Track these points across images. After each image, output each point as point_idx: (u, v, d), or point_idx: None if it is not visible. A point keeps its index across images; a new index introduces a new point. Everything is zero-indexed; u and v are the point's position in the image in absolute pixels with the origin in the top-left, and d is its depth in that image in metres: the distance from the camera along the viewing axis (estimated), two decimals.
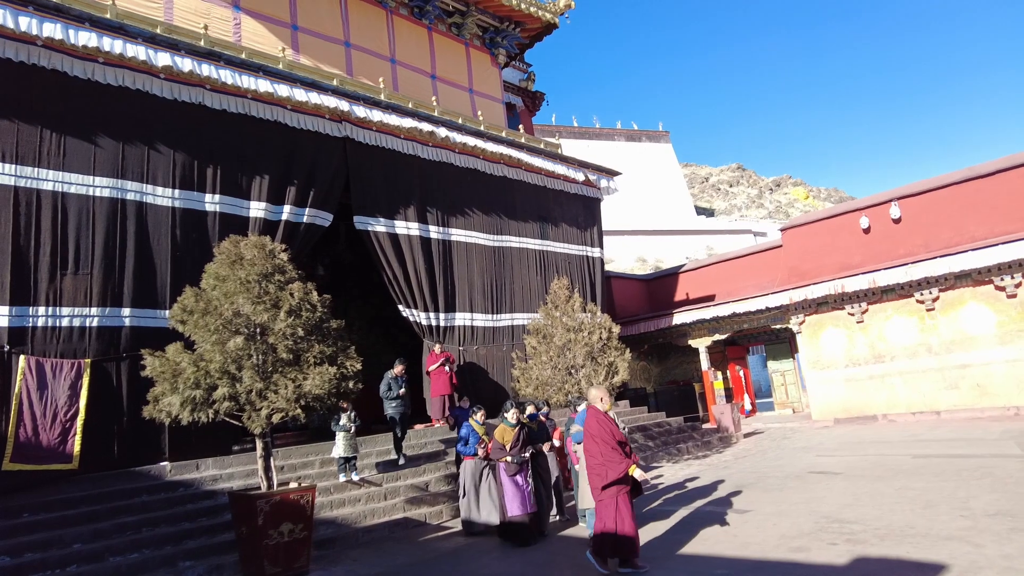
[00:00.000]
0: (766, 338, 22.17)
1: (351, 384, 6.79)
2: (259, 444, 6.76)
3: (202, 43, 10.27)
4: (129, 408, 8.33)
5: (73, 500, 7.50)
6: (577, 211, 16.68)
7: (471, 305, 13.64)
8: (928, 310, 15.83)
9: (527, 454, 7.55)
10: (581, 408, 7.76)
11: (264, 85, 10.56)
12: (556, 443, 8.62)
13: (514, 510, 7.24)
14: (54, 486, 7.71)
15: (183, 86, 9.89)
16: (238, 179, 10.33)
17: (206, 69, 9.93)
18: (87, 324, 8.38)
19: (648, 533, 6.99)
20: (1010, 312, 14.71)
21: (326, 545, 7.54)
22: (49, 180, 8.39)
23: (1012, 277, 14.58)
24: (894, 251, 16.60)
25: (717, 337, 20.16)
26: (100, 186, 8.79)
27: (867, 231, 17.35)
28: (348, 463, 9.11)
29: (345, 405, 8.77)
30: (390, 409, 10.02)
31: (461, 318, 13.44)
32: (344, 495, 8.76)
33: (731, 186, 67.51)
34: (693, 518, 7.59)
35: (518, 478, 7.36)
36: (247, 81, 10.37)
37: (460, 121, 13.81)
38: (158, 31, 9.77)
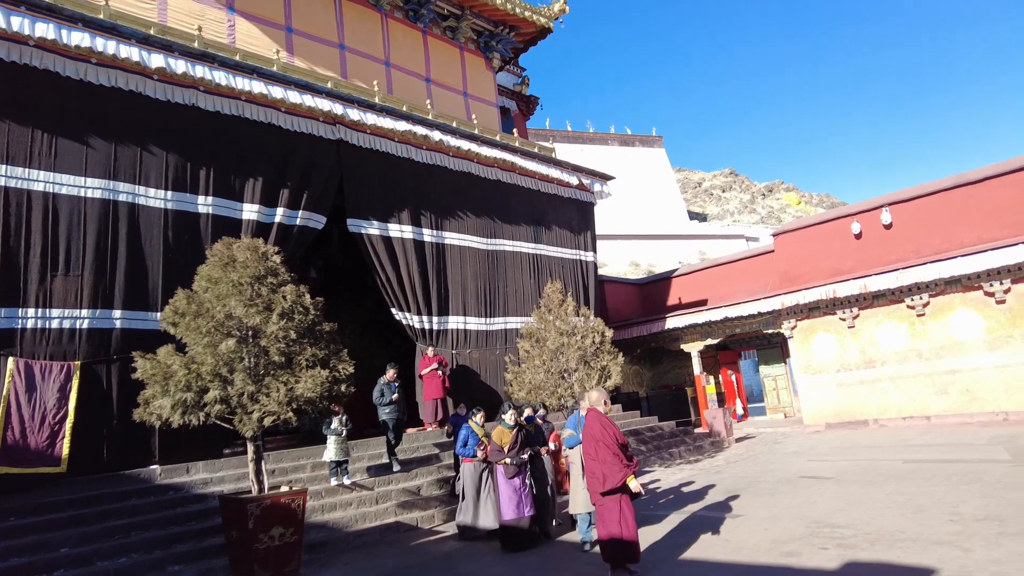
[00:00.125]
0: (758, 343, 22.26)
1: (343, 387, 6.78)
2: (250, 447, 6.73)
3: (196, 44, 10.24)
4: (119, 411, 8.27)
5: (61, 503, 7.44)
6: (571, 215, 16.72)
7: (464, 308, 13.63)
8: (919, 315, 15.94)
9: (525, 456, 7.49)
10: (575, 412, 7.75)
11: (258, 87, 10.54)
12: (553, 447, 8.59)
13: (509, 513, 7.19)
14: (42, 489, 7.63)
15: (176, 87, 9.85)
16: (231, 181, 10.30)
17: (200, 70, 9.90)
18: (77, 326, 8.32)
19: (640, 538, 6.98)
20: (999, 318, 14.83)
21: (317, 549, 7.51)
22: (40, 181, 8.33)
23: (1001, 283, 14.70)
24: (885, 257, 16.71)
25: (709, 341, 20.22)
26: (92, 187, 8.74)
27: (859, 237, 17.46)
28: (340, 467, 9.08)
29: (337, 409, 8.75)
30: (384, 415, 9.93)
31: (454, 321, 13.43)
32: (335, 499, 8.73)
33: (724, 191, 67.78)
34: (685, 522, 7.60)
35: (516, 480, 7.31)
36: (241, 83, 10.34)
37: (454, 124, 13.82)
38: (151, 32, 9.74)
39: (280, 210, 10.79)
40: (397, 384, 10.27)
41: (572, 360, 10.60)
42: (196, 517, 7.79)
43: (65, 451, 7.86)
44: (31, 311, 8.00)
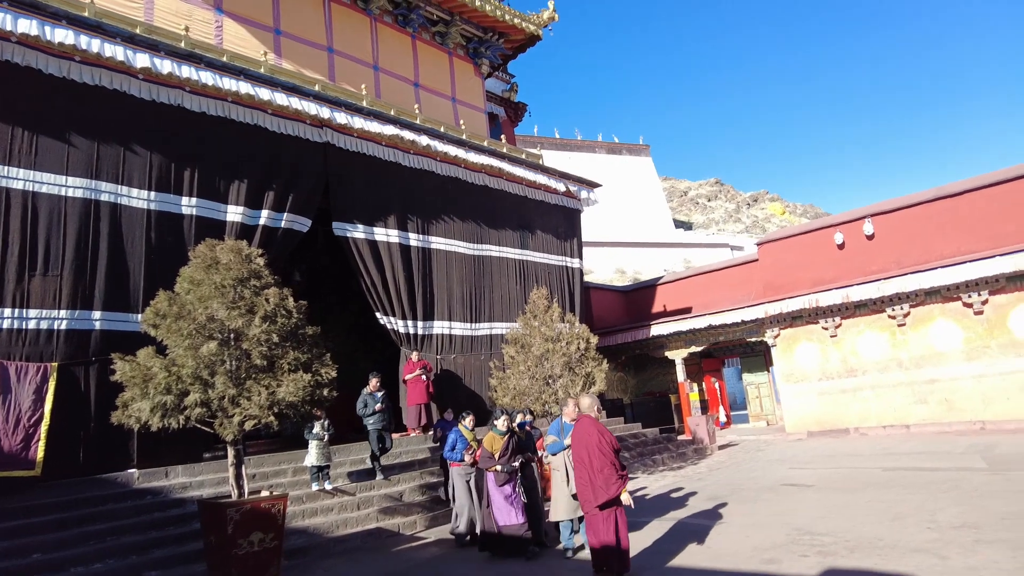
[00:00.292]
0: (741, 351, 22.42)
1: (326, 392, 6.72)
2: (231, 451, 6.65)
3: (183, 44, 10.16)
4: (97, 413, 8.14)
5: (35, 508, 7.29)
6: (557, 221, 16.77)
7: (450, 314, 13.60)
8: (899, 325, 16.14)
9: (517, 463, 7.31)
10: (558, 418, 7.70)
11: (245, 88, 10.48)
12: (541, 453, 8.50)
13: (504, 520, 7.01)
14: (16, 494, 7.48)
15: (162, 87, 9.77)
16: (216, 182, 10.21)
17: (186, 71, 9.83)
18: (55, 327, 8.19)
19: None
20: (977, 329, 15.06)
21: (298, 555, 7.43)
22: (19, 179, 8.21)
23: (979, 294, 14.94)
24: (867, 267, 16.92)
25: (693, 349, 20.34)
26: (73, 186, 8.63)
27: (841, 247, 17.67)
28: (321, 472, 9.00)
29: (319, 413, 8.67)
30: (368, 425, 9.72)
31: (439, 326, 13.39)
32: (317, 504, 8.64)
33: (709, 200, 68.37)
34: (666, 529, 7.61)
35: (507, 488, 7.14)
36: (228, 84, 10.28)
37: (442, 129, 13.82)
38: (137, 31, 9.65)
39: (265, 212, 10.71)
40: (382, 394, 10.02)
41: (557, 366, 10.60)
42: (174, 522, 7.67)
43: (40, 454, 7.72)
44: (7, 311, 7.87)
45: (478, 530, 7.49)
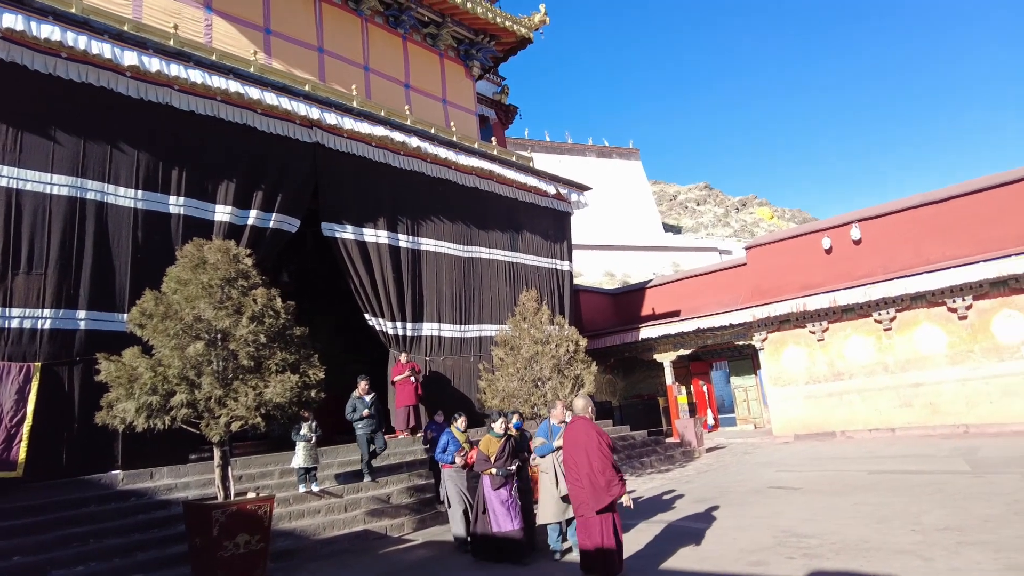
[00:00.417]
0: (729, 354, 22.54)
1: (313, 393, 6.68)
2: (217, 453, 6.59)
3: (171, 43, 10.08)
4: (81, 414, 8.03)
5: (15, 510, 7.18)
6: (547, 224, 16.79)
7: (439, 315, 13.57)
8: (885, 330, 16.30)
9: (513, 467, 7.14)
10: (546, 420, 7.67)
11: (234, 87, 10.41)
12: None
13: (499, 526, 6.84)
14: None
15: (150, 85, 9.69)
16: (204, 182, 10.14)
17: (175, 69, 9.75)
18: (39, 326, 8.09)
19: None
20: (961, 333, 15.24)
21: (284, 557, 7.37)
22: (3, 176, 8.10)
23: (963, 299, 15.12)
24: (854, 272, 17.07)
25: (682, 352, 20.42)
26: (58, 184, 8.53)
27: (829, 251, 17.82)
28: (308, 474, 8.94)
29: (307, 415, 8.62)
30: (357, 430, 9.60)
31: (428, 328, 13.36)
32: (304, 506, 8.59)
33: (698, 204, 68.72)
34: (655, 532, 7.62)
35: (503, 492, 6.94)
36: (217, 82, 10.21)
37: (433, 131, 13.80)
38: (126, 28, 9.55)
39: (253, 212, 10.65)
40: (371, 397, 9.87)
41: (546, 368, 10.60)
42: (159, 524, 7.59)
43: (22, 455, 7.61)
44: None
45: (471, 533, 7.38)
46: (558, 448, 6.82)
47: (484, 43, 17.43)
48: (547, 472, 7.01)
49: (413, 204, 13.45)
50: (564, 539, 6.98)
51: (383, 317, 12.57)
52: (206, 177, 10.18)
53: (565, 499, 6.68)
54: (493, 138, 17.80)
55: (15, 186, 8.18)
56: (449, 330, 13.73)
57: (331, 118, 11.77)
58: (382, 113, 12.89)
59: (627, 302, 24.28)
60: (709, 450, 16.62)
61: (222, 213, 10.25)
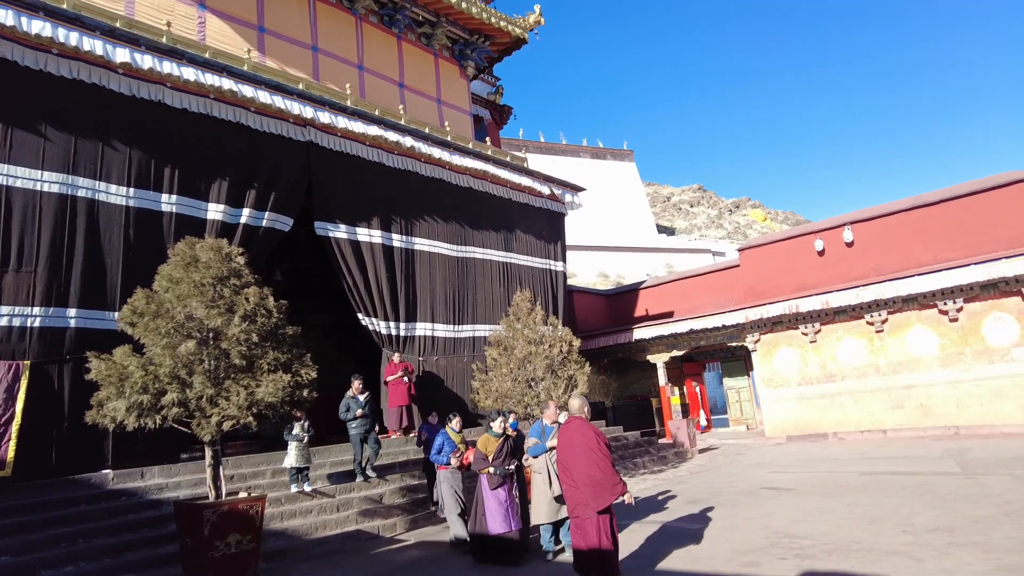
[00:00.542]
0: (722, 355, 22.60)
1: (305, 392, 6.65)
2: (208, 452, 6.55)
3: (164, 40, 10.03)
4: (71, 413, 7.98)
5: (4, 510, 7.10)
6: (541, 225, 16.79)
7: (432, 315, 13.55)
8: (877, 332, 16.37)
9: (511, 467, 7.01)
10: (538, 421, 7.66)
11: (228, 85, 10.36)
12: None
13: (496, 527, 6.73)
14: None
15: (142, 83, 9.63)
16: (196, 180, 10.08)
17: (167, 66, 9.69)
18: (28, 324, 8.02)
19: None
20: (952, 335, 15.33)
21: (276, 557, 7.34)
22: None
23: (955, 302, 15.21)
24: (847, 274, 17.15)
25: (675, 353, 20.45)
26: (49, 181, 8.47)
27: (821, 254, 17.89)
28: (300, 473, 8.90)
29: (299, 414, 8.58)
30: (351, 430, 9.54)
31: (422, 328, 13.33)
32: (295, 506, 8.55)
33: (692, 206, 68.91)
34: (647, 532, 7.63)
35: (501, 492, 6.84)
36: (210, 80, 10.16)
37: (427, 131, 13.78)
38: (118, 25, 9.50)
39: (246, 211, 10.60)
40: (365, 396, 9.81)
41: (539, 369, 10.60)
42: (149, 524, 7.54)
43: (10, 454, 7.55)
44: None
45: (467, 532, 7.32)
46: (551, 448, 6.81)
47: (479, 43, 17.42)
48: (540, 472, 7.00)
49: (407, 204, 13.43)
50: (557, 540, 6.98)
51: (376, 317, 12.53)
52: (199, 175, 10.13)
53: (558, 499, 6.68)
54: (487, 138, 17.82)
55: (5, 183, 8.12)
56: (442, 330, 13.71)
57: (325, 117, 11.74)
58: (376, 112, 12.86)
59: (621, 303, 24.31)
60: (702, 451, 16.66)
61: (215, 211, 10.20)
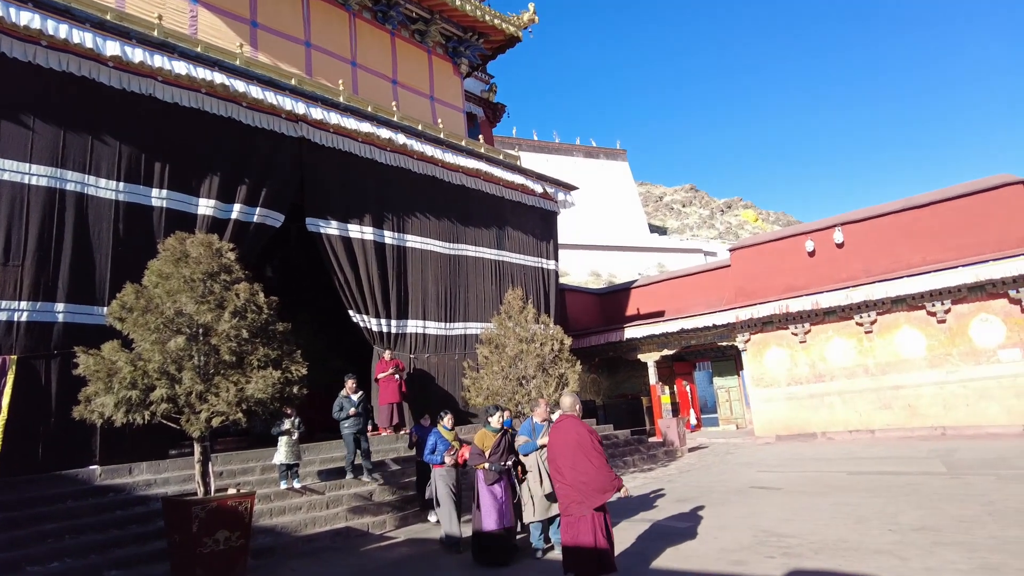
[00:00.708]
0: (713, 355, 22.70)
1: (295, 389, 6.63)
2: (197, 448, 6.52)
3: (155, 33, 9.95)
4: (58, 408, 7.91)
5: None
6: (534, 223, 16.79)
7: (424, 313, 13.53)
8: (866, 332, 16.50)
9: (508, 463, 6.90)
10: (528, 419, 7.66)
11: (220, 80, 10.30)
12: None
13: (490, 524, 6.66)
14: None
15: (133, 76, 9.56)
16: (187, 175, 10.02)
17: (158, 60, 9.62)
18: (15, 318, 7.94)
19: None
20: (939, 337, 15.47)
21: (264, 554, 7.31)
22: None
23: (943, 304, 15.34)
24: (837, 275, 17.26)
25: (666, 352, 20.53)
26: (37, 174, 8.38)
27: (812, 254, 18.00)
28: (290, 470, 8.88)
29: (289, 411, 8.56)
30: (344, 429, 9.45)
31: (413, 325, 13.31)
32: (285, 503, 8.52)
33: (684, 206, 69.13)
34: (638, 531, 7.65)
35: (496, 488, 6.75)
36: (202, 74, 10.09)
37: (420, 128, 13.75)
38: (108, 17, 9.40)
39: (237, 206, 10.55)
40: (359, 396, 9.73)
41: (530, 367, 10.62)
42: (138, 520, 7.50)
43: None
44: None
45: (460, 529, 7.33)
46: (542, 446, 6.82)
47: (473, 41, 17.40)
48: (531, 471, 7.01)
49: (399, 201, 13.40)
50: (546, 539, 6.98)
51: (367, 314, 12.50)
52: (189, 170, 10.06)
53: (549, 497, 6.68)
54: (480, 136, 17.79)
55: None
56: (434, 327, 13.70)
57: (317, 113, 11.69)
58: (369, 109, 12.82)
59: (612, 302, 24.37)
60: (691, 450, 16.73)
61: (205, 207, 10.14)
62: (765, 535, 6.86)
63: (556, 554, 6.61)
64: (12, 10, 8.28)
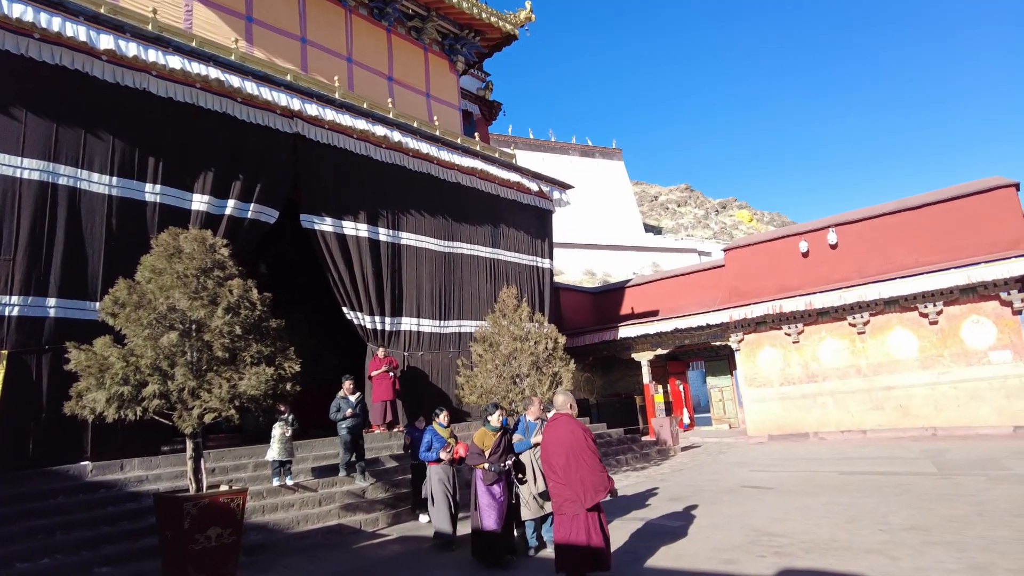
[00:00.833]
0: (706, 354, 22.77)
1: (289, 386, 6.60)
2: (189, 444, 6.49)
3: (150, 27, 9.89)
4: (49, 404, 7.86)
5: None
6: (529, 221, 16.79)
7: (418, 310, 13.51)
8: (859, 333, 16.57)
9: (508, 463, 6.81)
10: (522, 417, 7.65)
11: (214, 75, 10.24)
12: None
13: (490, 523, 6.57)
14: None
15: (127, 70, 9.49)
16: (181, 170, 9.96)
17: (153, 54, 9.56)
18: (6, 313, 7.89)
19: None
20: (931, 338, 15.56)
21: (256, 551, 7.29)
22: None
23: (935, 305, 15.43)
24: (830, 276, 17.33)
25: (660, 352, 20.58)
26: (29, 168, 8.33)
27: (806, 255, 18.07)
28: (283, 467, 8.86)
29: (283, 408, 8.53)
30: (341, 430, 9.42)
31: (407, 323, 13.29)
32: (277, 500, 8.51)
33: (679, 206, 69.27)
34: (630, 529, 7.67)
35: (496, 488, 6.66)
36: (197, 69, 10.03)
37: (416, 125, 13.72)
38: (102, 11, 9.33)
39: (231, 202, 10.50)
40: (356, 397, 9.72)
41: (524, 365, 10.61)
42: (129, 517, 7.46)
43: None
44: None
45: (446, 529, 7.32)
46: (536, 445, 6.82)
47: (469, 38, 17.37)
48: (525, 469, 7.01)
49: (394, 198, 13.37)
50: (539, 537, 6.99)
51: (361, 311, 12.48)
52: (183, 165, 10.01)
53: (542, 496, 6.69)
54: (476, 134, 17.76)
55: None
56: (428, 325, 13.68)
57: (312, 109, 11.65)
58: (364, 105, 12.78)
59: (607, 301, 24.40)
60: (684, 449, 16.78)
61: (199, 202, 10.09)
62: (757, 534, 6.89)
63: (548, 552, 6.62)
64: (5, 2, 8.21)
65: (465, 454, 7.47)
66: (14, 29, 8.43)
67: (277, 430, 8.72)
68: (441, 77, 17.05)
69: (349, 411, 9.42)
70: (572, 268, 44.46)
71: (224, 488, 6.78)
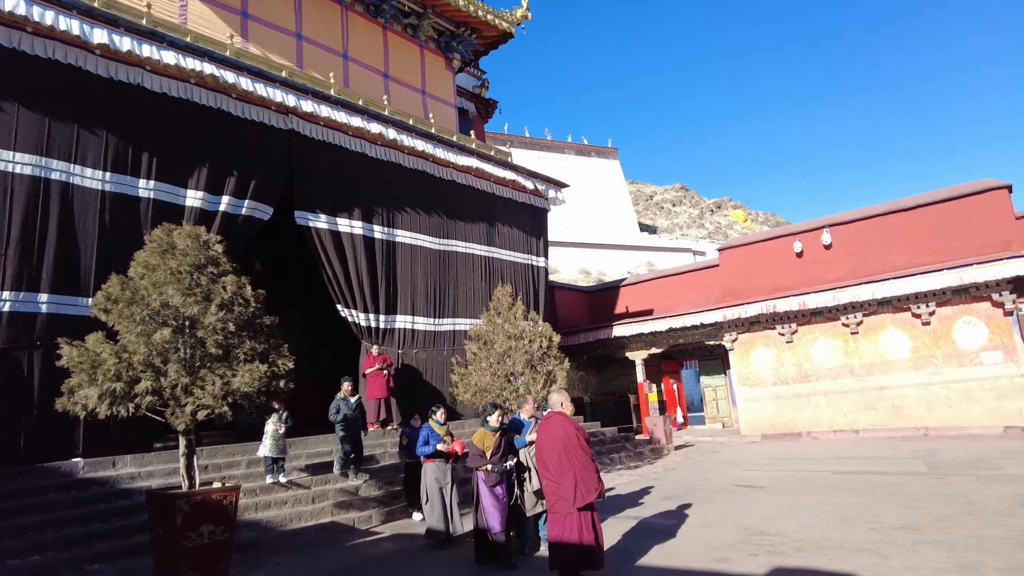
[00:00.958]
0: (700, 354, 22.83)
1: (282, 383, 6.57)
2: (182, 441, 6.47)
3: (144, 22, 9.83)
4: (40, 400, 7.81)
5: None
6: (524, 220, 16.78)
7: (413, 308, 13.49)
8: (852, 333, 16.65)
9: (509, 464, 6.74)
10: (515, 415, 7.63)
11: (209, 70, 10.19)
12: None
13: (495, 525, 6.51)
14: None
15: (121, 65, 9.43)
16: (175, 166, 9.91)
17: (147, 49, 9.50)
18: None
19: None
20: (924, 339, 15.64)
21: (249, 548, 7.28)
22: None
23: (927, 306, 15.51)
24: (824, 276, 17.40)
25: (654, 351, 20.62)
26: (21, 162, 8.26)
27: (800, 255, 18.13)
28: (276, 464, 8.84)
29: (277, 405, 8.51)
30: (339, 431, 9.38)
31: (402, 321, 13.27)
32: (270, 497, 8.49)
33: (674, 205, 69.39)
34: (623, 528, 7.69)
35: (498, 490, 6.60)
36: (191, 64, 9.98)
37: (411, 122, 13.69)
38: (96, 5, 9.27)
39: (225, 198, 10.46)
40: (355, 399, 9.70)
41: (519, 364, 10.63)
42: (121, 513, 7.44)
43: None
44: None
45: (439, 527, 7.30)
46: (530, 443, 6.82)
47: (465, 36, 17.34)
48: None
49: (389, 195, 13.34)
50: (534, 535, 6.99)
51: (356, 308, 12.45)
52: (178, 161, 9.96)
53: (537, 494, 6.69)
54: (472, 132, 17.77)
55: None
56: (422, 323, 13.66)
57: (307, 105, 11.60)
58: (360, 102, 12.75)
59: (601, 300, 24.43)
60: (678, 448, 16.82)
61: (193, 198, 10.05)
62: (749, 533, 6.91)
63: (543, 550, 6.62)
64: None
65: (461, 451, 7.47)
66: (6, 23, 8.36)
67: (270, 426, 8.72)
68: (437, 74, 17.02)
69: (349, 413, 9.41)
70: (567, 267, 44.49)
71: (217, 485, 6.75)
